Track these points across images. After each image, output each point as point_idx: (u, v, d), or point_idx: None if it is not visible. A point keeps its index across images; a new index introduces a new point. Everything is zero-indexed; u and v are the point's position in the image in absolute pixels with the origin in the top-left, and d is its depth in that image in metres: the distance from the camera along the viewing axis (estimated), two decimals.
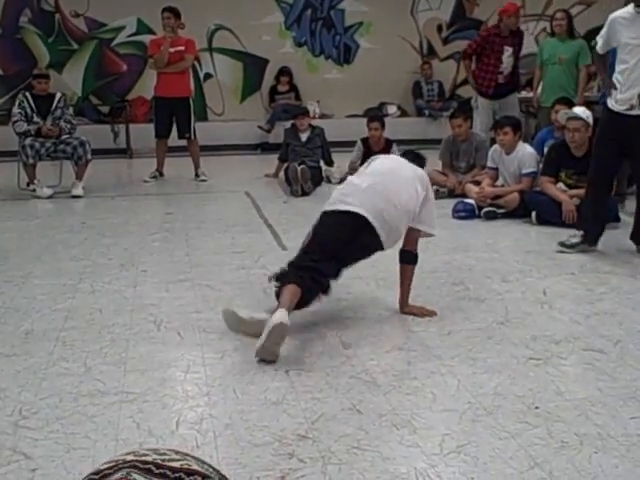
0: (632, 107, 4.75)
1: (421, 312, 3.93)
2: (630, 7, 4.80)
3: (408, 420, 2.80)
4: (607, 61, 5.18)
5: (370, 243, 3.78)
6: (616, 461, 2.51)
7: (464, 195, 6.83)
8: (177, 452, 1.02)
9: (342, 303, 4.01)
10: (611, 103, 4.91)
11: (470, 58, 8.36)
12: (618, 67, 4.87)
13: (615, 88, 4.85)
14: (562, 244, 5.10)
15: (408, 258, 3.98)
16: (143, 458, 0.98)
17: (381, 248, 3.82)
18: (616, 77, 4.87)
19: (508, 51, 8.09)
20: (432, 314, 3.91)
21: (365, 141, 7.95)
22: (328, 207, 3.88)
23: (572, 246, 5.04)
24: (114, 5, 10.81)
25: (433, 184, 7.23)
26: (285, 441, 2.65)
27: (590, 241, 5.09)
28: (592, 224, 5.11)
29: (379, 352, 3.46)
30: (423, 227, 3.99)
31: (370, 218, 3.72)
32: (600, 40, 5.00)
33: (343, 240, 3.72)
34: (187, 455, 1.02)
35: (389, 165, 4.08)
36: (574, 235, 5.11)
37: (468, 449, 2.59)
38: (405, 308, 3.96)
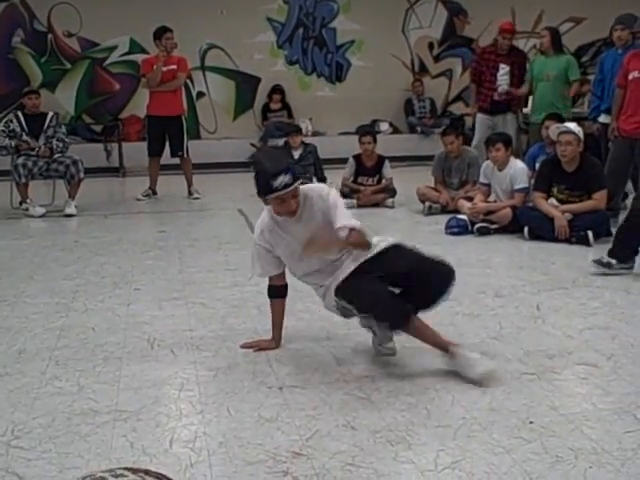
0: None
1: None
2: None
3: (403, 436, 2.79)
4: None
5: None
6: (611, 476, 2.50)
7: (457, 211, 6.86)
8: (131, 469, 1.01)
9: (335, 319, 4.00)
10: None
11: (476, 81, 8.40)
12: None
13: None
14: None
15: None
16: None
17: None
18: None
19: (504, 69, 8.11)
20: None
21: (357, 157, 7.98)
22: None
23: None
24: (107, 25, 10.87)
25: (426, 200, 7.37)
26: (279, 458, 2.64)
27: None
28: None
29: (373, 368, 3.45)
30: None
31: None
32: None
33: None
34: (138, 470, 1.01)
35: None
36: None
37: (463, 465, 2.58)
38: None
